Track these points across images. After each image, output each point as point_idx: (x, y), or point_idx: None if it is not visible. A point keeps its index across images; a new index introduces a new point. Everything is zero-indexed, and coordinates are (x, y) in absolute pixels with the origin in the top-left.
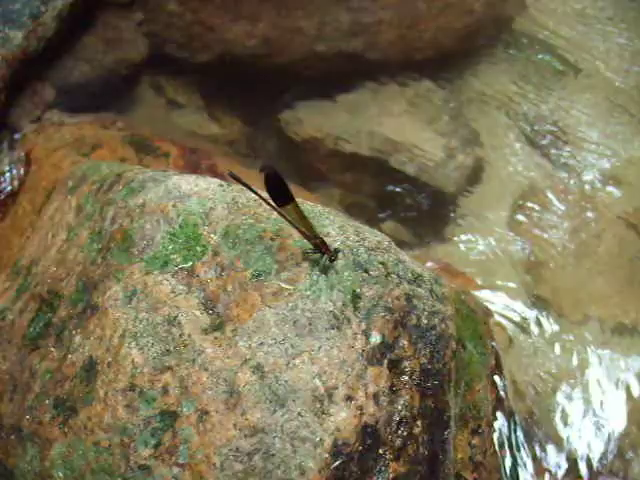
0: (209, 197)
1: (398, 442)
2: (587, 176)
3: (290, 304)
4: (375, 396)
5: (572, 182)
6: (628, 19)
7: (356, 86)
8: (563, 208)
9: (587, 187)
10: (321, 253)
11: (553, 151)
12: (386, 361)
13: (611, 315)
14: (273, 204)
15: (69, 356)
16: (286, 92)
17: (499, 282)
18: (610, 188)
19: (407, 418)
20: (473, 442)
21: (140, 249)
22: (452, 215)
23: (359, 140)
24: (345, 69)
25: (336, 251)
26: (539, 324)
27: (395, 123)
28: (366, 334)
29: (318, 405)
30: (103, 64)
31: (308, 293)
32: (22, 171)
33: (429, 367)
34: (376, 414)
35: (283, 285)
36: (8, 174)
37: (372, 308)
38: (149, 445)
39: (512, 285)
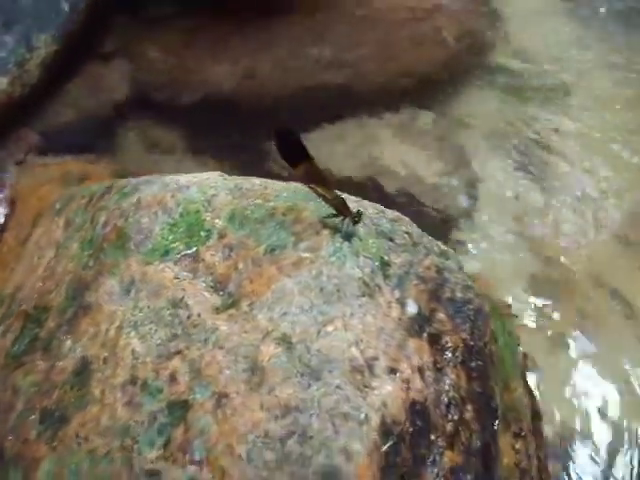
0: (210, 185)
1: (450, 427)
2: (581, 192)
3: (313, 271)
4: (420, 370)
5: (568, 199)
6: (607, 37)
7: (342, 116)
8: (563, 225)
9: (583, 203)
10: (343, 216)
11: (544, 169)
12: (425, 335)
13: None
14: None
15: (58, 363)
16: (271, 128)
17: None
18: (607, 203)
19: (456, 400)
20: (517, 446)
21: (137, 243)
22: (448, 237)
23: (348, 167)
24: (329, 101)
25: (359, 213)
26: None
27: (383, 150)
28: (401, 303)
29: (359, 377)
30: (86, 108)
31: (332, 259)
32: (7, 210)
33: (471, 344)
34: (424, 391)
35: (303, 255)
36: None
37: (404, 276)
38: (156, 445)
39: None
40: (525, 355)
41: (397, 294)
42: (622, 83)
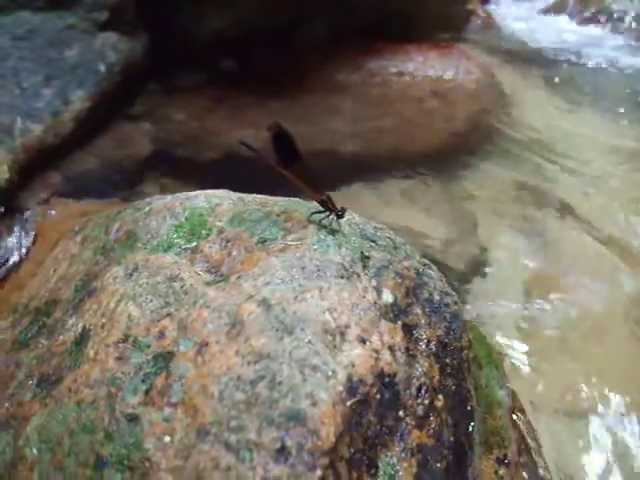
0: (215, 195)
1: (420, 410)
2: (592, 256)
3: (297, 254)
4: (391, 348)
5: (578, 265)
6: (604, 109)
7: (354, 181)
8: (574, 292)
9: (594, 267)
10: (328, 211)
11: (553, 236)
12: (400, 323)
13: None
14: (277, 165)
15: (60, 337)
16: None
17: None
18: (615, 263)
19: (427, 386)
20: (500, 472)
21: (144, 242)
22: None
23: None
24: (344, 168)
25: (343, 209)
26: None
27: (394, 213)
28: (377, 290)
29: (330, 338)
30: (110, 160)
31: (315, 247)
32: (28, 244)
33: (446, 341)
34: (393, 365)
35: (290, 242)
36: (14, 248)
37: (382, 268)
38: (139, 392)
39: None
40: (515, 395)
41: (374, 282)
42: (617, 153)
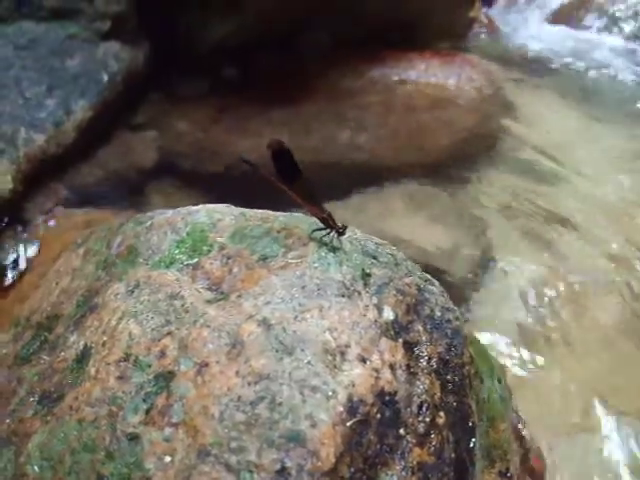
0: (217, 211)
1: (421, 428)
2: (596, 262)
3: (298, 272)
4: (392, 367)
5: (586, 274)
6: (609, 116)
7: (359, 191)
8: (581, 302)
9: (602, 277)
10: (329, 228)
11: (558, 242)
12: (401, 340)
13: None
14: (278, 182)
15: (62, 354)
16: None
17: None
18: (620, 271)
19: (428, 404)
20: None
21: (146, 257)
22: (459, 305)
23: None
24: (346, 175)
25: (344, 226)
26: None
27: (399, 221)
28: (378, 308)
29: (330, 358)
30: (114, 170)
31: (316, 265)
32: (32, 254)
33: (447, 358)
34: (393, 383)
35: (290, 260)
36: (17, 259)
37: (383, 285)
38: (139, 411)
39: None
40: (517, 407)
41: (375, 300)
42: (619, 162)
